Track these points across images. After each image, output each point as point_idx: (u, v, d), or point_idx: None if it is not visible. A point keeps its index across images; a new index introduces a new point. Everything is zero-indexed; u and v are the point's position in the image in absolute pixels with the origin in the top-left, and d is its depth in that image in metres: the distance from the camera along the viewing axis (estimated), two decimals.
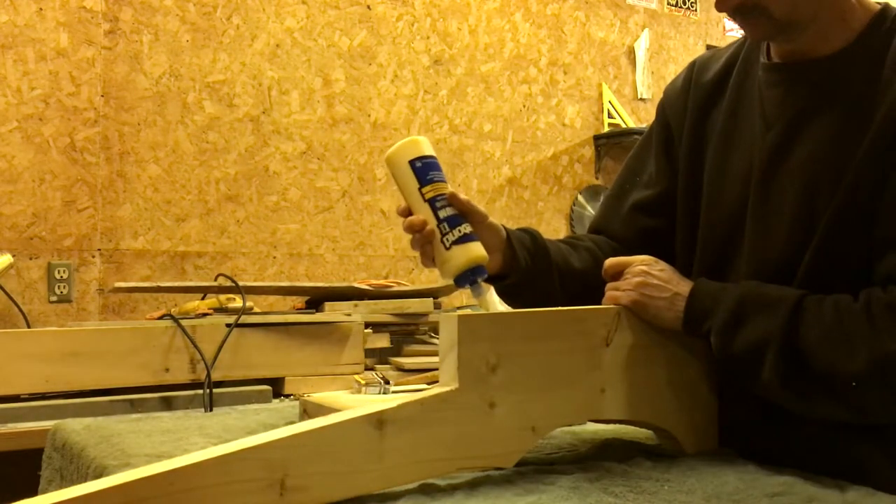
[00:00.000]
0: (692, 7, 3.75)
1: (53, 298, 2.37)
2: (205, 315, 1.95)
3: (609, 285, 1.08)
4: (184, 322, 1.78)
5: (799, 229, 1.03)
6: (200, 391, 1.70)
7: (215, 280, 2.07)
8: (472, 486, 0.87)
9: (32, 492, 0.93)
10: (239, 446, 0.75)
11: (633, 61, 3.56)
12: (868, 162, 0.98)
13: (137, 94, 2.51)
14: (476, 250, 1.05)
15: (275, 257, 2.72)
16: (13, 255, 2.24)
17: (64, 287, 2.37)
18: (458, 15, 3.10)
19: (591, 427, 1.22)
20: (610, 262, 1.09)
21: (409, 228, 1.07)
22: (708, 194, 1.16)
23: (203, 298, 2.10)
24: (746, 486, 0.90)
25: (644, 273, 1.05)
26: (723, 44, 3.84)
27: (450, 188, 1.08)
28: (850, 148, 1.00)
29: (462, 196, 1.07)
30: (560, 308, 1.00)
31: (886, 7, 1.08)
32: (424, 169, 1.06)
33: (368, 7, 2.91)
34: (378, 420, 0.82)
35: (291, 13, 2.77)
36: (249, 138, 2.68)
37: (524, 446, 0.92)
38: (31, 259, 2.35)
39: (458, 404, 0.86)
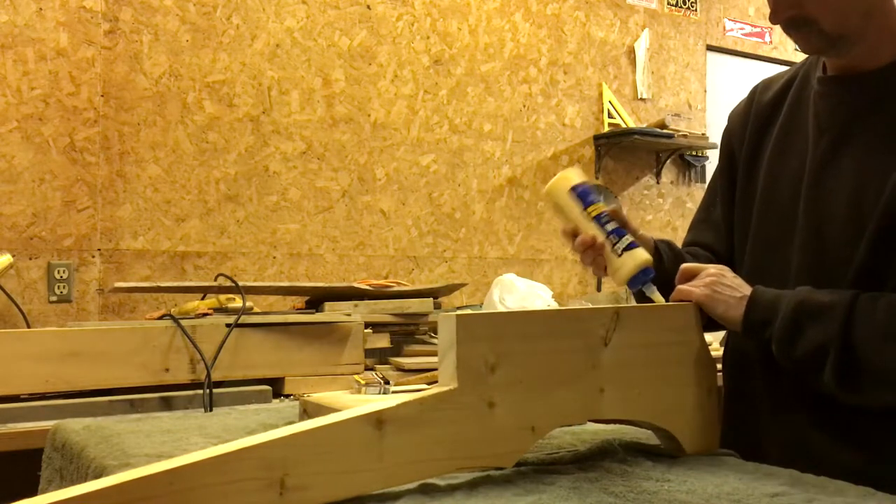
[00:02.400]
0: (692, 7, 3.75)
1: (53, 298, 2.37)
2: (205, 315, 1.95)
3: (681, 283, 1.14)
4: (184, 322, 1.78)
5: (849, 229, 1.08)
6: (200, 391, 1.70)
7: (215, 280, 2.07)
8: (472, 486, 0.87)
9: (32, 492, 0.93)
10: (239, 446, 0.75)
11: (633, 61, 3.56)
12: None
13: (137, 94, 2.51)
14: (643, 255, 1.16)
15: (275, 257, 2.72)
16: (13, 255, 2.24)
17: (64, 287, 2.37)
18: (458, 15, 3.10)
19: (591, 427, 1.22)
20: (685, 266, 1.16)
21: (582, 245, 1.17)
22: (762, 198, 1.23)
23: (203, 298, 2.10)
24: (746, 486, 0.90)
25: (718, 275, 1.12)
26: (722, 44, 3.84)
27: (603, 205, 1.20)
28: (891, 166, 1.05)
29: (621, 211, 1.19)
30: (559, 308, 1.00)
31: None
32: (583, 194, 1.21)
33: (368, 7, 2.91)
34: (377, 420, 0.82)
35: (291, 13, 2.77)
36: (249, 138, 2.68)
37: (524, 446, 0.91)
38: (30, 259, 2.35)
39: (457, 404, 0.86)
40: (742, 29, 3.92)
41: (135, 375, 1.72)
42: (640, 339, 1.01)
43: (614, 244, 1.17)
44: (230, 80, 2.66)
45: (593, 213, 1.19)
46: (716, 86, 3.81)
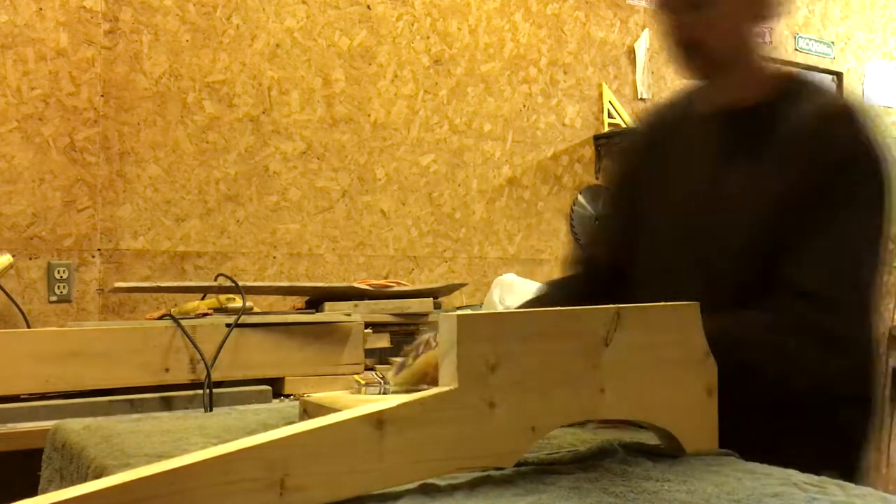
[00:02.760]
0: None
1: (53, 298, 2.37)
2: (205, 315, 1.95)
3: None
4: (184, 322, 1.78)
5: (728, 245, 1.25)
6: (200, 391, 1.70)
7: (215, 280, 2.07)
8: (472, 486, 0.87)
9: (32, 492, 0.93)
10: (239, 446, 0.75)
11: (633, 61, 3.56)
12: (777, 207, 1.22)
13: (137, 94, 2.51)
14: None
15: (275, 257, 2.72)
16: (13, 255, 2.24)
17: (64, 287, 2.37)
18: (458, 15, 3.10)
19: (591, 427, 1.22)
20: None
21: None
22: (649, 218, 1.38)
23: (203, 298, 2.10)
24: (746, 486, 0.90)
25: None
26: None
27: None
28: (764, 192, 1.23)
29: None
30: (559, 308, 1.00)
31: (796, 73, 1.37)
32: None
33: (368, 7, 2.91)
34: (378, 420, 0.82)
35: (291, 13, 2.77)
36: (249, 138, 2.68)
37: (524, 446, 0.91)
38: (30, 259, 2.35)
39: (457, 404, 0.86)
40: None
41: (135, 375, 1.72)
42: (640, 339, 1.01)
43: None
44: (230, 80, 2.66)
45: None
46: None
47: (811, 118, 1.24)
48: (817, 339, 1.15)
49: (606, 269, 1.49)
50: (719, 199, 1.28)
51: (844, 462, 1.30)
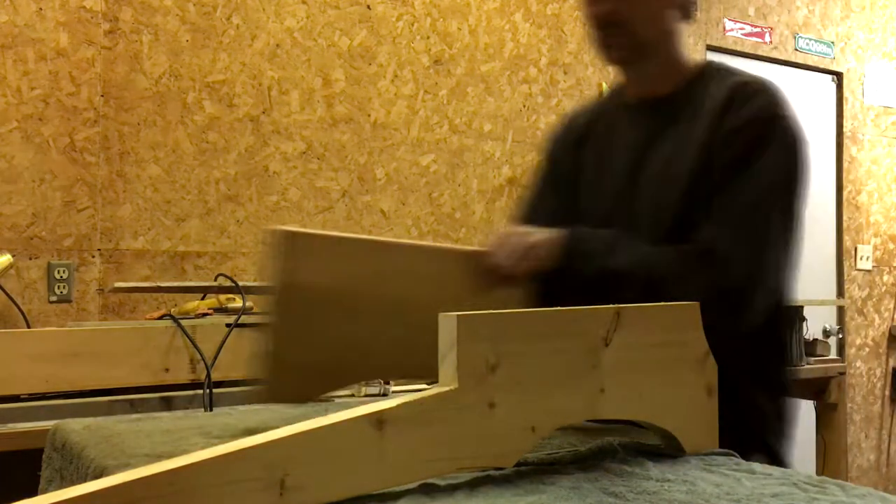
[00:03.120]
0: None
1: (53, 298, 2.37)
2: (205, 315, 1.95)
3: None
4: (184, 322, 1.78)
5: (656, 221, 1.31)
6: (200, 391, 1.70)
7: (215, 280, 2.07)
8: (472, 486, 0.87)
9: (32, 492, 0.93)
10: (239, 446, 0.75)
11: None
12: (695, 177, 1.28)
13: (137, 94, 2.51)
14: None
15: None
16: (13, 255, 2.24)
17: (64, 287, 2.37)
18: (458, 15, 3.10)
19: (591, 427, 1.22)
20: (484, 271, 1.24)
21: None
22: (585, 206, 1.43)
23: (203, 298, 2.10)
24: (746, 486, 0.90)
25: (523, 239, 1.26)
26: (722, 44, 3.84)
27: None
28: (683, 166, 1.30)
29: None
30: (560, 308, 1.00)
31: (710, 63, 1.41)
32: None
33: (368, 7, 2.91)
34: (378, 420, 0.82)
35: (291, 13, 2.77)
36: (249, 138, 2.68)
37: (524, 446, 0.91)
38: (30, 259, 2.35)
39: (457, 404, 0.86)
40: (742, 29, 3.92)
41: (135, 375, 1.72)
42: (640, 339, 1.01)
43: None
44: (230, 80, 2.66)
45: None
46: None
47: (725, 93, 1.30)
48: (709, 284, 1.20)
49: None
50: (642, 181, 1.34)
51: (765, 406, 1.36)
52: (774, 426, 1.39)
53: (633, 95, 1.42)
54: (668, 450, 1.04)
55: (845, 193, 4.30)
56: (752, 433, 1.30)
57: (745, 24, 3.93)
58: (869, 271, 4.36)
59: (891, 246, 4.46)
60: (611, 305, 1.02)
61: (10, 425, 1.58)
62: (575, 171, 1.47)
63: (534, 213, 1.52)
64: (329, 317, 1.02)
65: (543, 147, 1.58)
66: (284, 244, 0.99)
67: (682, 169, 1.30)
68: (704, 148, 1.28)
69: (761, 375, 1.35)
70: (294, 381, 0.76)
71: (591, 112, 1.53)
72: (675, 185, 1.30)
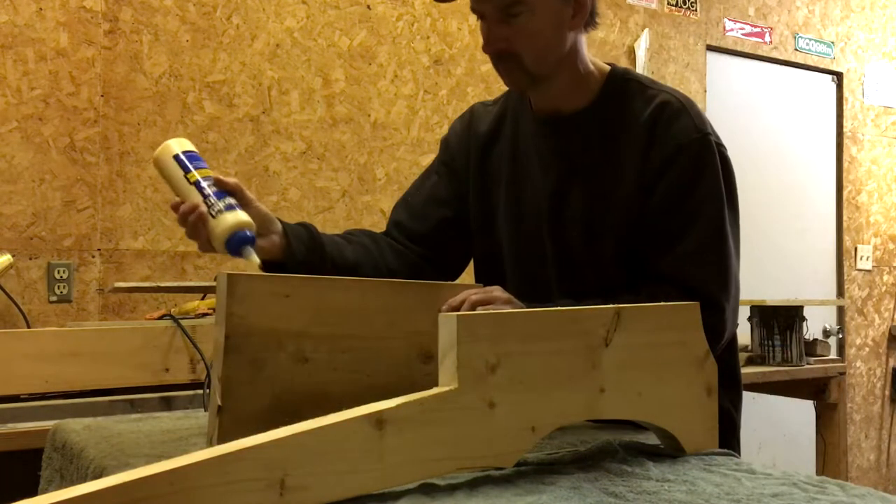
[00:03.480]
0: (692, 7, 3.75)
1: (53, 298, 2.37)
2: (205, 315, 1.95)
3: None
4: (184, 322, 1.78)
5: (590, 248, 1.30)
6: (200, 391, 1.70)
7: (215, 280, 2.07)
8: (472, 486, 0.87)
9: (32, 492, 0.93)
10: (239, 446, 0.75)
11: (633, 61, 3.56)
12: (629, 204, 1.28)
13: (137, 94, 2.51)
14: (242, 216, 1.10)
15: None
16: (13, 255, 2.24)
17: (64, 287, 2.37)
18: (458, 15, 3.10)
19: (591, 427, 1.22)
20: (453, 302, 1.16)
21: (182, 216, 1.12)
22: (509, 229, 1.39)
23: (203, 298, 2.10)
24: (746, 486, 0.90)
25: (506, 300, 1.17)
26: (723, 44, 3.84)
27: (214, 173, 1.15)
28: (611, 190, 1.29)
29: (229, 179, 1.15)
30: (560, 308, 1.00)
31: (614, 69, 1.37)
32: (188, 160, 1.13)
33: (368, 7, 2.91)
34: (378, 420, 0.82)
35: (291, 13, 2.77)
36: (249, 138, 2.68)
37: (524, 446, 0.91)
38: (30, 259, 2.35)
39: (457, 404, 0.86)
40: (742, 29, 3.92)
41: (135, 375, 1.72)
42: (640, 339, 1.01)
43: (210, 206, 1.09)
44: (230, 80, 2.66)
45: (193, 178, 1.11)
46: (716, 86, 3.81)
47: (648, 115, 1.29)
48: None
49: (419, 244, 1.45)
50: (569, 203, 1.32)
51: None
52: (735, 423, 1.41)
53: (542, 110, 1.37)
54: (668, 450, 1.05)
55: (845, 193, 4.30)
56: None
57: (745, 24, 3.93)
58: (869, 271, 4.36)
59: (891, 246, 4.46)
60: (611, 305, 1.02)
61: (10, 425, 1.58)
62: (480, 177, 1.43)
63: (419, 196, 1.49)
64: (279, 361, 1.00)
65: (444, 141, 1.52)
66: (227, 288, 0.97)
67: (618, 193, 1.29)
68: (637, 173, 1.27)
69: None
70: (247, 433, 0.75)
71: (496, 117, 1.45)
72: (608, 211, 1.29)
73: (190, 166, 1.13)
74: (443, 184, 1.48)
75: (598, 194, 1.31)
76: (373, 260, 1.37)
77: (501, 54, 1.29)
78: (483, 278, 1.45)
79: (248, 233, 1.10)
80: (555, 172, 1.34)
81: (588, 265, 1.31)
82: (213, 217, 1.09)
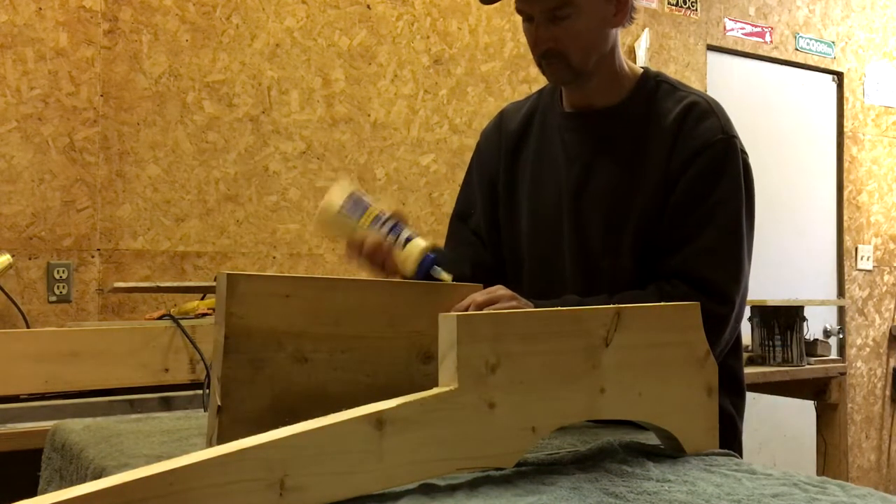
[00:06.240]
0: (692, 7, 3.75)
1: (53, 298, 2.37)
2: (205, 315, 1.95)
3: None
4: (183, 322, 1.78)
5: (608, 241, 1.33)
6: (200, 391, 1.70)
7: (215, 280, 2.07)
8: (472, 486, 0.87)
9: (32, 492, 0.93)
10: (239, 446, 0.74)
11: (633, 61, 3.55)
12: (651, 197, 1.31)
13: (137, 94, 2.51)
14: (423, 242, 1.23)
15: (275, 257, 2.72)
16: (12, 255, 2.24)
17: (63, 287, 2.37)
18: (458, 14, 3.10)
19: (591, 427, 1.22)
20: (460, 306, 1.18)
21: (369, 251, 1.24)
22: (529, 222, 1.42)
23: (203, 298, 2.10)
24: (746, 486, 0.89)
25: (509, 297, 1.20)
26: (723, 44, 3.84)
27: (378, 207, 1.26)
28: (635, 182, 1.32)
29: (388, 210, 1.28)
30: (560, 308, 1.00)
31: (647, 71, 1.41)
32: (352, 209, 1.26)
33: (368, 7, 2.91)
34: (378, 420, 0.81)
35: (291, 13, 2.76)
36: (249, 138, 2.68)
37: (524, 446, 0.91)
38: (30, 259, 2.35)
39: (457, 404, 0.86)
40: (742, 28, 3.91)
41: (135, 375, 1.72)
42: (641, 340, 1.01)
43: (396, 240, 1.23)
44: (230, 79, 2.65)
45: (369, 221, 1.24)
46: (716, 85, 3.81)
47: (676, 114, 1.33)
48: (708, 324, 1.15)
49: (491, 268, 1.48)
50: (588, 195, 1.35)
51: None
52: (737, 428, 1.42)
53: (574, 105, 1.41)
54: (668, 450, 1.04)
55: (846, 193, 4.30)
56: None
57: (745, 23, 3.92)
58: (870, 271, 4.36)
59: (891, 246, 4.45)
60: (611, 306, 1.02)
61: (10, 425, 1.58)
62: (509, 180, 1.46)
63: (469, 211, 1.52)
64: (279, 361, 1.00)
65: (476, 148, 1.56)
66: (227, 288, 0.97)
67: (642, 186, 1.31)
68: (662, 168, 1.30)
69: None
70: (247, 433, 0.75)
71: (525, 115, 1.49)
72: (631, 202, 1.32)
73: (356, 215, 1.25)
74: (483, 223, 1.51)
75: (621, 185, 1.33)
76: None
77: (549, 53, 1.33)
78: (508, 269, 1.47)
79: (432, 255, 1.22)
80: (580, 162, 1.37)
81: (605, 255, 1.33)
82: (403, 248, 1.22)
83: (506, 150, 1.48)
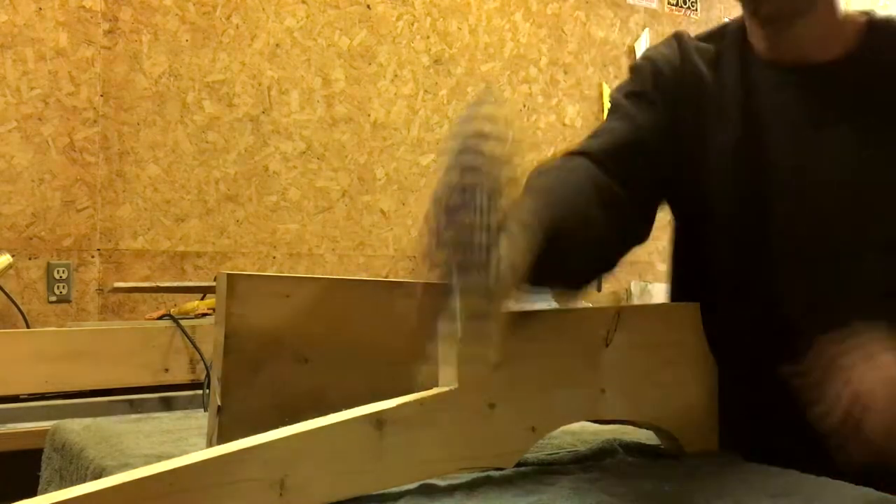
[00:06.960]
0: (692, 7, 3.75)
1: (52, 298, 2.37)
2: (205, 315, 1.95)
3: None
4: (183, 322, 1.78)
5: (848, 231, 1.05)
6: (200, 391, 1.70)
7: (215, 280, 2.07)
8: (472, 486, 0.87)
9: (32, 492, 0.93)
10: (239, 446, 0.74)
11: (633, 61, 3.56)
12: None
13: (137, 94, 2.51)
14: None
15: (274, 257, 2.72)
16: (12, 255, 2.24)
17: (63, 287, 2.37)
18: (458, 15, 3.10)
19: (591, 427, 1.21)
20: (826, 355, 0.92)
21: None
22: (732, 196, 1.11)
23: (203, 298, 2.10)
24: (747, 486, 0.89)
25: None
26: None
27: None
28: (886, 156, 1.05)
29: None
30: (560, 308, 1.00)
31: (873, 18, 1.12)
32: None
33: (368, 7, 2.91)
34: (377, 420, 0.81)
35: (291, 13, 2.76)
36: (249, 138, 2.68)
37: (524, 446, 0.91)
38: (30, 259, 2.35)
39: (457, 404, 0.86)
40: None
41: (135, 375, 1.72)
42: (641, 339, 1.01)
43: None
44: (230, 79, 2.65)
45: None
46: None
47: None
48: None
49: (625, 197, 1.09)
50: (825, 175, 1.06)
51: None
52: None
53: (781, 60, 1.11)
54: (668, 450, 1.04)
55: None
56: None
57: None
58: None
59: None
60: (610, 305, 1.02)
61: (10, 425, 1.58)
62: (696, 119, 1.13)
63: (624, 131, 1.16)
64: (279, 361, 1.00)
65: (647, 71, 1.19)
66: (227, 288, 0.97)
67: (892, 159, 1.05)
68: None
69: None
70: (247, 433, 0.75)
71: (712, 58, 1.16)
72: (883, 179, 1.06)
73: None
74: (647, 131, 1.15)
75: (864, 160, 1.06)
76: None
77: None
78: (680, 248, 1.23)
79: None
80: (807, 133, 1.08)
81: (845, 254, 1.05)
82: None
83: (693, 85, 1.15)
